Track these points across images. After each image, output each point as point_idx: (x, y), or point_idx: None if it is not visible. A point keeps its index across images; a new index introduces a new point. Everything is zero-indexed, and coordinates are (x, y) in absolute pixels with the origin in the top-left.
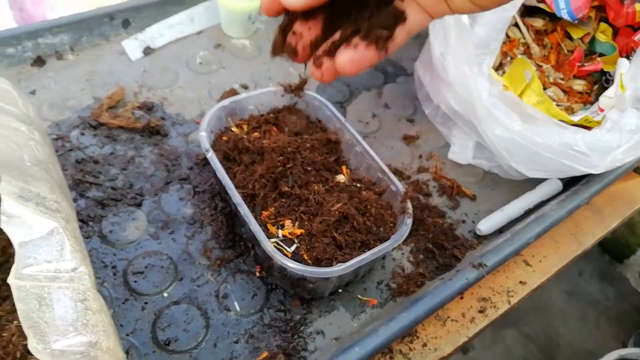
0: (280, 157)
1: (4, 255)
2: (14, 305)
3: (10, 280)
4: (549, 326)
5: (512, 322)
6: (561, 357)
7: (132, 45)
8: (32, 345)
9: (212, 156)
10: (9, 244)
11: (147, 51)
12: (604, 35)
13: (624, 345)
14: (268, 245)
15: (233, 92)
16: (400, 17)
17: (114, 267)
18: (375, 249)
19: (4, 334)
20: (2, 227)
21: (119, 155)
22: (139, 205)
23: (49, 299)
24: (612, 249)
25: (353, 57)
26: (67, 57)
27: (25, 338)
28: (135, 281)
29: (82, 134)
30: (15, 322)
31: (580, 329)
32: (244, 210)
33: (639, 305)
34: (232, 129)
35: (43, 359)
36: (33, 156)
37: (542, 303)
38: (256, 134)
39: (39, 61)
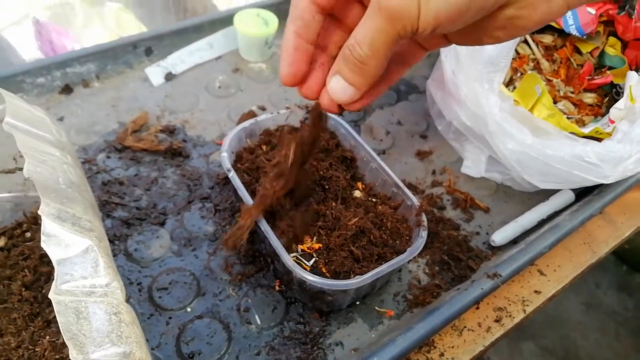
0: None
1: (35, 274)
2: (45, 321)
3: (51, 295)
4: (567, 339)
5: (530, 335)
6: None
7: (155, 72)
8: (73, 355)
9: (233, 175)
10: (40, 263)
11: (169, 77)
12: (613, 49)
13: None
14: (288, 259)
15: (251, 114)
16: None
17: (139, 283)
18: (392, 262)
19: (37, 349)
20: (42, 246)
21: (143, 176)
22: (162, 224)
23: (86, 313)
24: (629, 259)
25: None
26: (93, 85)
27: (56, 352)
28: (159, 297)
29: (108, 157)
30: (47, 337)
31: (600, 341)
32: (264, 226)
33: None
34: (252, 149)
35: None
36: (67, 179)
37: (560, 315)
38: (275, 152)
39: (67, 89)
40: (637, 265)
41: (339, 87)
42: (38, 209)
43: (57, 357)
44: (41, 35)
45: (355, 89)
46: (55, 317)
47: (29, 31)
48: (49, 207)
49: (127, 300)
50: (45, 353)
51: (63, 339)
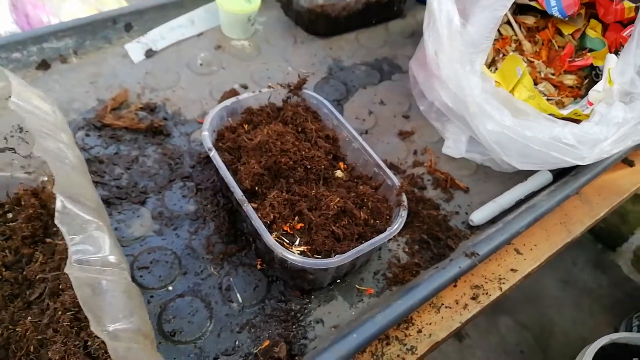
0: (281, 154)
1: (16, 255)
2: (26, 302)
3: (67, 270)
4: (543, 315)
5: (507, 311)
6: (555, 344)
7: (135, 48)
8: (93, 326)
9: (214, 155)
10: (22, 245)
11: (149, 54)
12: (593, 31)
13: (616, 331)
14: (269, 238)
15: (233, 92)
16: None
17: None
18: (372, 241)
19: (17, 329)
20: (56, 223)
21: (123, 155)
22: (143, 203)
23: (100, 289)
24: (604, 238)
25: None
26: (71, 61)
27: (39, 333)
28: (140, 276)
29: (87, 135)
30: (29, 318)
31: (574, 317)
32: (246, 205)
33: (631, 292)
34: (234, 127)
35: (102, 337)
36: (70, 160)
37: (537, 292)
38: (257, 130)
39: (44, 65)
40: (612, 244)
41: None
42: (22, 190)
43: (39, 337)
44: (16, 8)
45: None
46: (36, 299)
47: (3, 3)
48: (61, 186)
49: None
50: (27, 333)
51: (46, 320)
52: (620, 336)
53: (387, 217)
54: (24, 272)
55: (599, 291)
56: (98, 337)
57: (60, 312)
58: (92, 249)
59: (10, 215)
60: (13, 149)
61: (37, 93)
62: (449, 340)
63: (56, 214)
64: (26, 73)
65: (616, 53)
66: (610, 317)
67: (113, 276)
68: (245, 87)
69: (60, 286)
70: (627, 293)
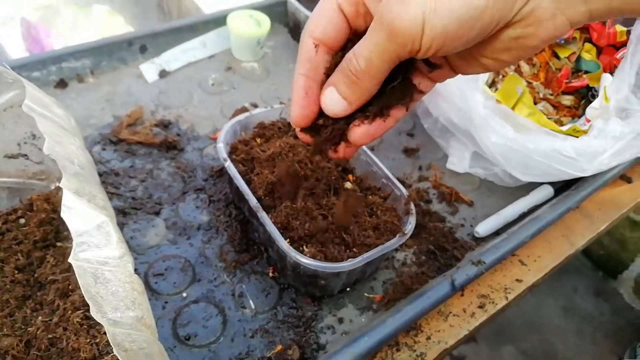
0: (292, 165)
1: (28, 258)
2: (37, 303)
3: (71, 260)
4: (546, 342)
5: (510, 339)
6: None
7: (149, 69)
8: (93, 313)
9: (229, 165)
10: (33, 248)
11: (163, 74)
12: (588, 54)
13: (620, 359)
14: (284, 243)
15: (244, 110)
16: (413, 91)
17: (135, 269)
18: (383, 246)
19: (29, 329)
20: (62, 216)
21: (138, 168)
22: (157, 213)
23: (102, 278)
24: (605, 265)
25: (365, 131)
26: (88, 80)
27: (49, 332)
28: (155, 282)
29: (104, 149)
30: (40, 318)
31: (577, 345)
32: (261, 212)
33: (633, 320)
34: (247, 141)
35: (102, 323)
36: (80, 162)
37: (539, 320)
38: (269, 144)
39: (62, 84)
40: (612, 272)
41: (331, 99)
42: (35, 195)
43: (49, 336)
44: (30, 36)
45: (347, 103)
46: (47, 299)
47: (16, 31)
48: (69, 181)
49: None
50: (38, 332)
51: (56, 320)
52: None
53: (396, 225)
54: (35, 275)
55: (601, 319)
56: (105, 334)
57: (70, 312)
58: (96, 241)
59: (22, 220)
60: (26, 155)
61: (50, 99)
62: None
63: (62, 207)
64: (45, 91)
65: (610, 74)
66: (613, 345)
67: (116, 268)
68: (255, 105)
69: (70, 287)
70: (629, 321)
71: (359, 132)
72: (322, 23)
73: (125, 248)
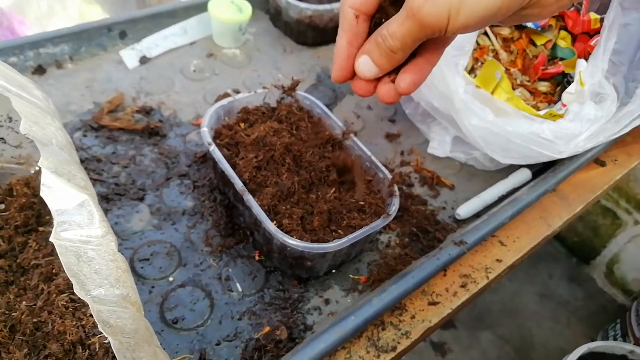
0: (277, 148)
1: (10, 244)
2: (20, 288)
3: (52, 239)
4: (522, 328)
5: (488, 326)
6: (535, 356)
7: (129, 55)
8: (76, 290)
9: (214, 149)
10: (15, 234)
11: (144, 60)
12: (564, 42)
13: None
14: (270, 225)
15: (227, 96)
16: None
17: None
18: (369, 226)
19: (13, 314)
20: (42, 195)
21: (121, 154)
22: (141, 199)
23: (85, 257)
24: (578, 252)
25: (412, 78)
26: (67, 66)
27: (34, 316)
28: (141, 267)
29: (85, 136)
30: (24, 302)
31: (553, 329)
32: (247, 195)
33: (605, 304)
34: (231, 126)
35: (86, 300)
36: (58, 141)
37: (515, 306)
38: (253, 128)
39: (40, 70)
40: (586, 258)
41: (366, 65)
42: (14, 180)
43: (34, 320)
44: (1, 24)
45: (379, 70)
46: (30, 284)
47: None
48: (47, 160)
49: None
50: (22, 317)
51: (40, 304)
52: (598, 345)
53: (381, 207)
54: (18, 260)
55: (575, 303)
56: (92, 316)
57: (54, 295)
58: (77, 220)
59: (2, 205)
60: (3, 139)
61: (27, 79)
62: (432, 355)
63: (42, 186)
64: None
65: (585, 60)
66: (587, 329)
67: (99, 246)
68: (237, 92)
69: (54, 270)
70: (601, 305)
71: (405, 80)
72: None
73: (108, 227)
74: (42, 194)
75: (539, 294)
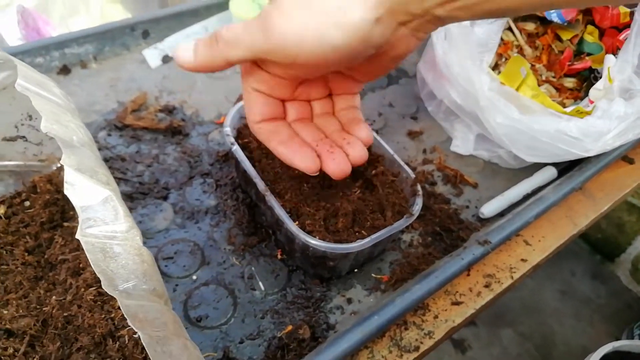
0: None
1: (37, 240)
2: (50, 283)
3: (78, 236)
4: (544, 325)
5: (508, 323)
6: (557, 354)
7: (152, 54)
8: (105, 285)
9: (236, 149)
10: (41, 230)
11: (166, 59)
12: (591, 37)
13: (618, 340)
14: (292, 225)
15: None
16: None
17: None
18: (392, 226)
19: (44, 309)
20: (65, 193)
21: (144, 153)
22: (165, 198)
23: (111, 252)
24: (602, 249)
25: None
26: (91, 66)
27: (64, 310)
28: (165, 265)
29: (109, 135)
30: (54, 297)
31: (575, 327)
32: (269, 195)
33: (630, 302)
34: None
35: (114, 295)
36: (79, 138)
37: (537, 303)
38: None
39: (65, 70)
40: (610, 255)
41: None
42: (37, 177)
43: (65, 314)
44: (26, 23)
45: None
46: (59, 278)
47: (12, 19)
48: (69, 158)
49: None
50: (53, 311)
51: (70, 298)
52: (623, 344)
53: (404, 206)
54: (45, 256)
55: (598, 301)
56: (120, 309)
57: (82, 289)
58: (102, 216)
59: (27, 203)
60: (24, 137)
61: (45, 77)
62: (452, 352)
63: (65, 184)
64: (48, 77)
65: (614, 56)
66: (611, 327)
67: (125, 241)
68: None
69: (81, 265)
70: (626, 303)
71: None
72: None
73: (132, 221)
74: (65, 192)
75: (560, 292)
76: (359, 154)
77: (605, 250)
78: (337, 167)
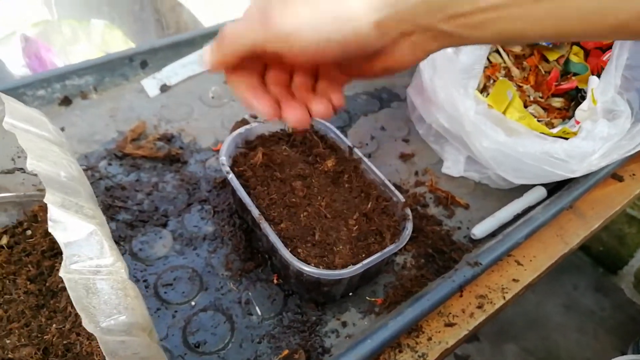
0: (293, 176)
1: (38, 268)
2: (51, 311)
3: (61, 273)
4: (548, 340)
5: (512, 338)
6: None
7: (150, 84)
8: (85, 324)
9: (232, 177)
10: (42, 258)
11: (164, 88)
12: (576, 57)
13: (623, 354)
14: (286, 252)
15: (244, 122)
16: None
17: (145, 280)
18: (382, 252)
19: (45, 337)
20: (50, 231)
21: (144, 181)
22: (164, 225)
23: (94, 288)
24: (604, 261)
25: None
26: (92, 97)
27: (64, 338)
28: (165, 292)
29: (110, 164)
30: (54, 325)
31: (579, 341)
32: (264, 223)
33: (634, 315)
34: (247, 152)
35: (95, 333)
36: (68, 172)
37: (540, 318)
38: (269, 156)
39: (66, 101)
40: (612, 267)
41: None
42: (37, 207)
43: (64, 342)
44: (29, 52)
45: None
46: (59, 306)
47: (16, 48)
48: (54, 195)
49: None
50: (54, 340)
51: (68, 326)
52: (630, 358)
53: (395, 230)
54: (47, 284)
55: (602, 314)
56: None
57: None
58: (86, 251)
59: (29, 232)
60: (22, 168)
61: (36, 111)
62: None
63: (49, 222)
64: (50, 109)
65: (597, 76)
66: (616, 340)
67: (109, 275)
68: (254, 117)
69: None
70: (630, 316)
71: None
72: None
73: (117, 254)
74: (50, 230)
75: (563, 305)
76: (322, 109)
77: (608, 263)
78: (295, 116)
